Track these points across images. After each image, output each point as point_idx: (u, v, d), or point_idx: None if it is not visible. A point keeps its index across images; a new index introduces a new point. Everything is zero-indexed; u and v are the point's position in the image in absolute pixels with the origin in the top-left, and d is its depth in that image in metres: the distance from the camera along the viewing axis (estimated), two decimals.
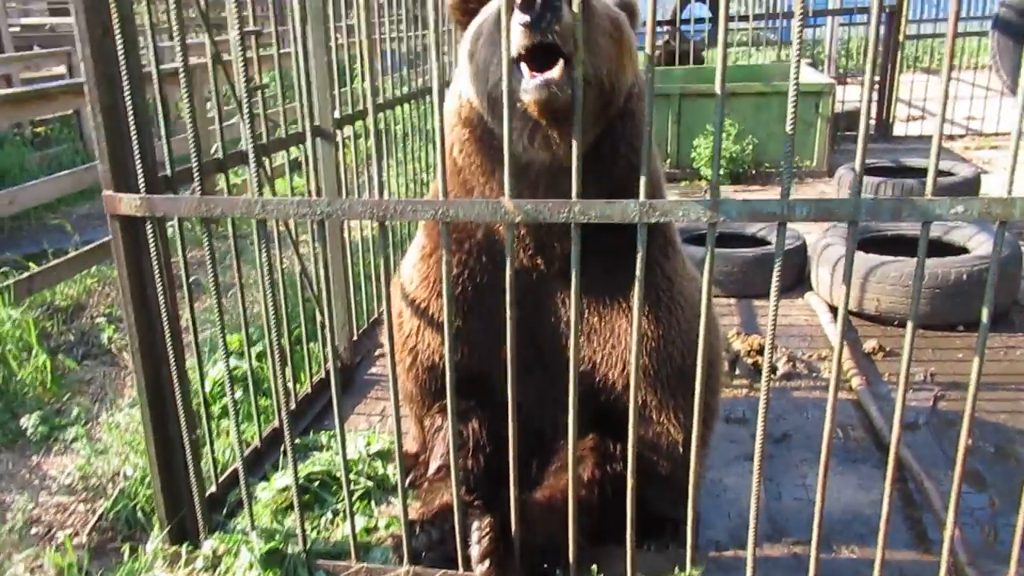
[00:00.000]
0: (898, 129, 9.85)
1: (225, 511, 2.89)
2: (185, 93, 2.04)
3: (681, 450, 2.50)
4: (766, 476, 3.02)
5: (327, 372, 2.57)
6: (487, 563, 2.28)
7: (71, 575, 2.71)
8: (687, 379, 2.48)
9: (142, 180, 2.09)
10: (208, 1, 2.57)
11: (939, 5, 11.46)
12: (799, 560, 2.56)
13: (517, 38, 1.91)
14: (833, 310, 4.46)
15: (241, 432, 3.40)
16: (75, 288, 5.61)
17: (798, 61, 1.67)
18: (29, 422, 3.83)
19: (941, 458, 3.10)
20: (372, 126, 1.84)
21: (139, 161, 2.07)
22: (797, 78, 1.67)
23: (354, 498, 2.97)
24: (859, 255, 4.36)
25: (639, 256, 1.82)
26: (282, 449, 2.99)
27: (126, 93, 2.03)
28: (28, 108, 5.99)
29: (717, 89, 1.69)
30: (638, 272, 1.82)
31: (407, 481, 2.96)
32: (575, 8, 1.64)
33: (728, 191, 7.64)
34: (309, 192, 3.29)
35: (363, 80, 1.84)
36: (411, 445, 3.13)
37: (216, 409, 3.77)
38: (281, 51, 3.10)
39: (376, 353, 4.26)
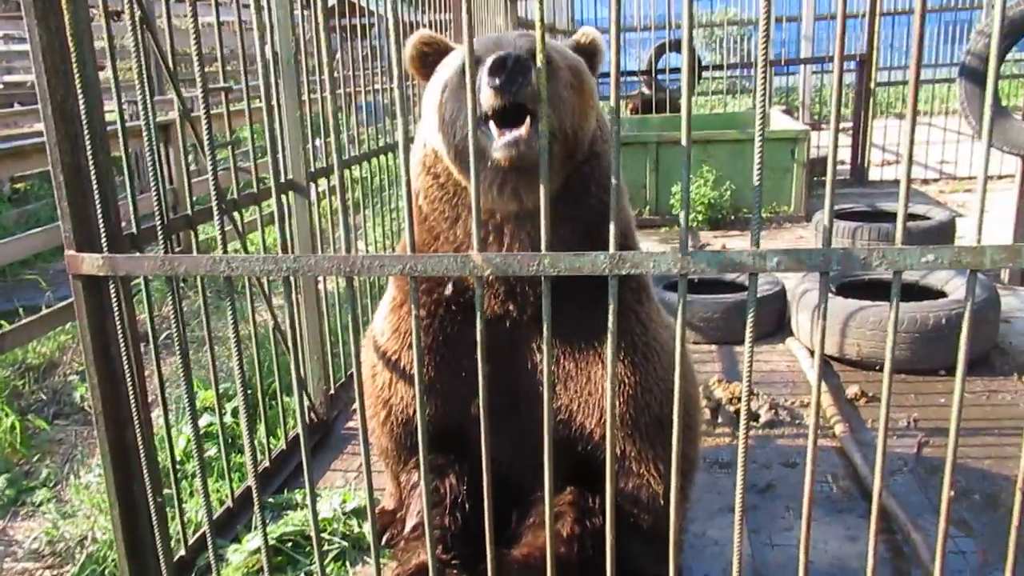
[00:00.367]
0: (873, 174, 9.99)
1: (195, 575, 2.80)
2: (148, 151, 2.02)
3: (663, 502, 2.45)
4: (751, 528, 2.96)
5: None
6: None
7: None
8: (666, 428, 2.44)
9: (105, 239, 2.05)
10: (175, 58, 2.56)
11: (907, 53, 11.71)
12: None
13: (486, 98, 1.94)
14: (814, 355, 4.43)
15: (214, 492, 3.33)
16: (48, 345, 5.52)
17: (763, 114, 1.67)
18: None
19: (927, 506, 3.06)
20: (338, 183, 1.82)
21: (102, 220, 2.04)
22: (763, 131, 1.66)
23: (328, 559, 2.89)
24: (838, 300, 4.36)
25: (611, 308, 1.79)
26: (255, 509, 2.90)
27: (88, 152, 2.00)
28: (3, 165, 5.95)
29: (683, 142, 1.69)
30: (611, 324, 1.79)
31: (383, 540, 2.89)
32: (539, 67, 1.64)
33: (707, 237, 7.69)
34: (282, 247, 3.26)
35: (331, 135, 1.82)
36: (388, 502, 3.06)
37: (190, 467, 3.68)
38: (253, 106, 3.09)
39: (353, 407, 4.19)
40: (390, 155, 4.79)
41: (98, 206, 2.05)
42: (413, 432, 2.62)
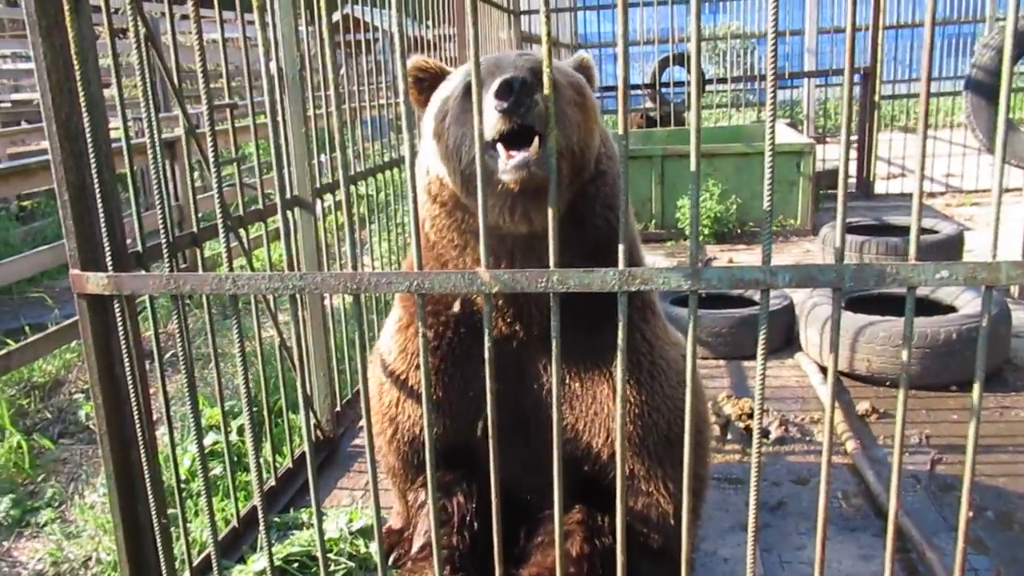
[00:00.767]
0: (879, 187, 9.96)
1: None
2: (153, 167, 2.01)
3: (673, 522, 2.42)
4: (763, 547, 2.92)
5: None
6: None
7: None
8: (674, 447, 2.40)
9: (110, 258, 2.04)
10: (180, 73, 2.55)
11: (911, 66, 11.73)
12: None
13: (492, 123, 1.91)
14: (824, 371, 4.40)
15: (219, 511, 3.30)
16: (53, 364, 5.50)
17: (772, 127, 1.65)
18: (1, 506, 3.70)
19: (942, 524, 3.01)
20: (344, 198, 1.80)
21: (107, 238, 2.02)
22: (772, 142, 1.64)
23: None
24: (848, 315, 4.33)
25: (620, 325, 1.76)
26: (260, 529, 2.87)
27: (93, 170, 1.99)
28: (9, 184, 5.96)
29: (692, 155, 1.67)
30: (620, 342, 1.76)
31: (390, 560, 2.85)
32: (546, 88, 1.62)
33: (713, 250, 7.66)
34: (288, 263, 3.25)
35: (337, 150, 1.80)
36: (395, 521, 3.03)
37: (195, 486, 3.65)
38: (260, 121, 3.09)
39: (359, 424, 4.16)
40: (395, 170, 4.78)
41: (103, 224, 2.03)
42: (420, 450, 2.60)
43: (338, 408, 4.09)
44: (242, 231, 3.10)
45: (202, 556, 2.89)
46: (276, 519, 3.24)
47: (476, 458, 2.50)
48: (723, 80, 11.82)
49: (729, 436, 3.85)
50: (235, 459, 3.80)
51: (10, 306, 7.06)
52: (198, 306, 5.90)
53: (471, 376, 2.43)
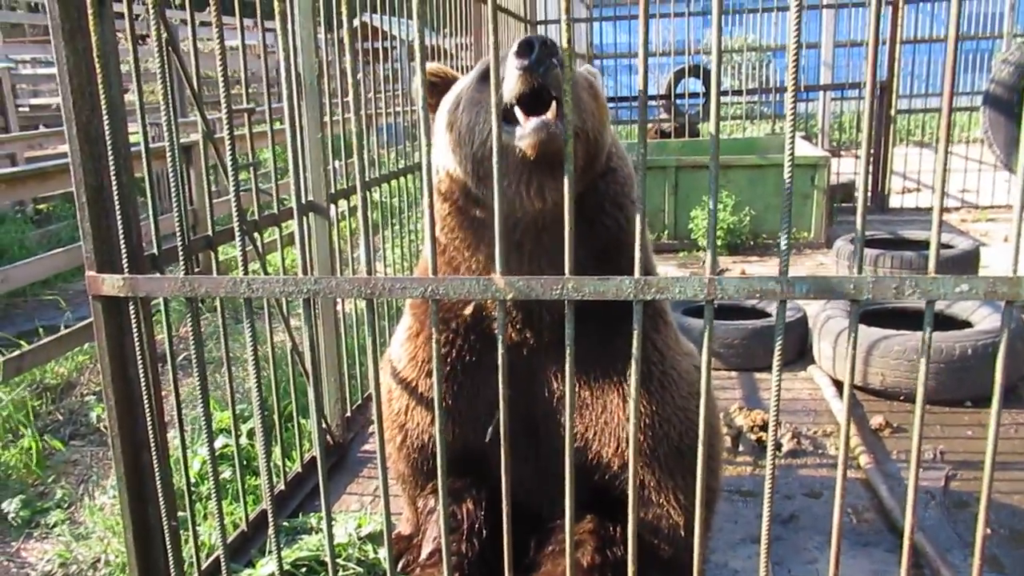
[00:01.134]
0: (894, 201, 9.92)
1: None
2: (172, 171, 2.02)
3: (683, 533, 2.40)
4: (774, 560, 2.89)
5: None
6: None
7: None
8: (685, 458, 2.39)
9: (126, 260, 2.05)
10: (200, 80, 2.57)
11: (928, 81, 11.68)
12: None
13: (512, 85, 1.91)
14: (837, 384, 4.37)
15: (228, 515, 3.30)
16: (66, 366, 5.53)
17: (792, 136, 1.64)
18: (11, 506, 3.72)
19: (956, 541, 2.98)
20: (359, 203, 1.81)
21: (123, 241, 2.03)
22: (792, 152, 1.64)
23: None
24: (862, 329, 4.30)
25: (635, 333, 1.76)
26: (269, 534, 2.87)
27: (112, 174, 2.00)
28: (26, 186, 6.01)
29: (710, 165, 1.66)
30: (635, 351, 1.76)
31: (399, 566, 2.84)
32: (564, 47, 1.63)
33: (726, 262, 7.63)
34: (302, 268, 3.26)
35: (355, 155, 1.81)
36: (404, 527, 3.02)
37: (204, 489, 3.66)
38: (276, 127, 3.10)
39: (369, 430, 4.16)
40: (409, 177, 4.79)
41: (120, 227, 2.04)
42: (430, 457, 2.59)
43: (348, 414, 4.09)
44: (256, 235, 3.11)
45: (211, 559, 2.89)
46: (285, 523, 3.24)
47: (486, 465, 2.49)
48: (738, 92, 11.82)
49: (741, 448, 3.82)
50: (245, 463, 3.81)
51: (24, 308, 7.11)
52: (210, 310, 5.92)
53: (481, 383, 2.42)
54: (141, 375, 2.14)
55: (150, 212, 2.17)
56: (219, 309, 2.65)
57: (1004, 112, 8.63)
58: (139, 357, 2.11)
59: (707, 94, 12.58)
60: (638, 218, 1.70)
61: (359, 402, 4.30)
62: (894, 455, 3.69)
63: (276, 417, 3.48)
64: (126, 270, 2.04)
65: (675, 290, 1.72)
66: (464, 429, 2.49)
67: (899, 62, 9.74)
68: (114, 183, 2.01)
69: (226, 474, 3.64)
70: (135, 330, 2.08)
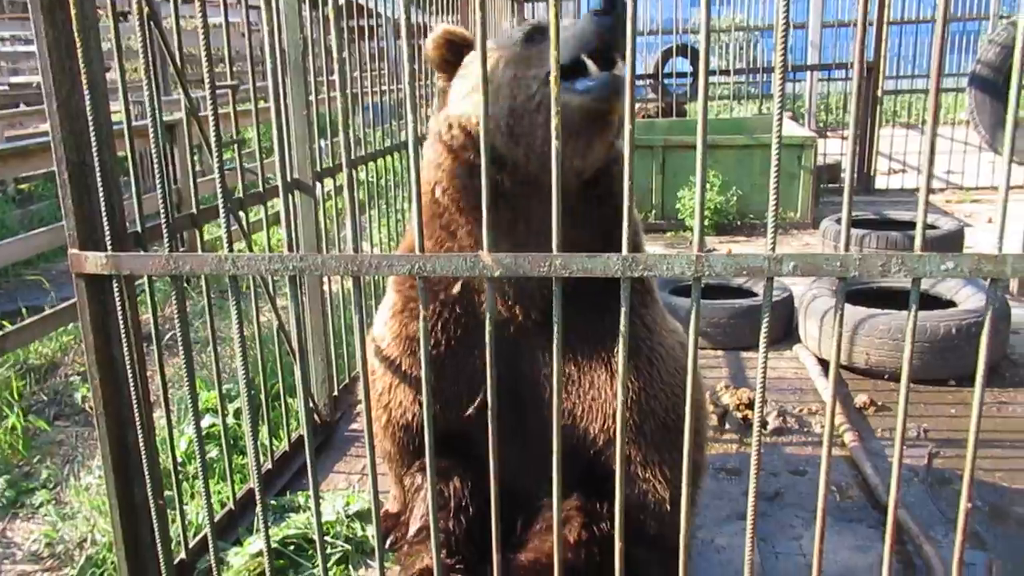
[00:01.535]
0: (880, 182, 9.95)
1: None
2: (155, 147, 1.99)
3: (669, 508, 2.42)
4: (760, 536, 2.92)
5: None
6: None
7: None
8: (672, 433, 2.40)
9: (109, 237, 2.02)
10: (183, 57, 2.53)
11: (915, 62, 11.70)
12: None
13: (588, 38, 1.95)
14: (822, 363, 4.40)
15: (215, 494, 3.30)
16: (50, 346, 5.49)
17: (780, 115, 1.64)
18: None
19: (938, 518, 3.02)
20: (345, 180, 1.79)
21: (106, 218, 2.01)
22: (780, 131, 1.63)
23: (331, 562, 2.85)
24: (848, 308, 4.32)
25: (623, 311, 1.76)
26: (257, 512, 2.88)
27: (94, 150, 1.98)
28: (7, 166, 5.93)
29: (698, 144, 1.66)
30: (622, 328, 1.76)
31: (387, 543, 2.85)
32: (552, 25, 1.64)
33: (713, 242, 7.66)
34: (288, 246, 3.23)
35: (341, 132, 1.79)
36: (392, 505, 3.03)
37: (191, 469, 3.65)
38: (261, 105, 3.07)
39: (356, 409, 4.16)
40: (395, 155, 4.76)
41: (102, 204, 2.02)
42: (415, 436, 2.59)
43: (335, 393, 4.09)
44: (241, 214, 3.09)
45: (198, 538, 2.89)
46: (273, 502, 3.24)
47: (471, 444, 2.49)
48: (726, 72, 11.80)
49: (727, 426, 3.85)
50: (231, 442, 3.81)
51: (7, 288, 7.04)
52: (195, 289, 5.89)
53: (465, 361, 2.41)
54: (126, 354, 2.13)
55: (133, 190, 2.15)
56: (204, 288, 2.63)
57: (990, 93, 8.67)
58: (123, 336, 2.10)
59: (695, 74, 12.57)
60: (626, 196, 1.70)
61: (346, 381, 4.30)
62: (878, 433, 3.73)
63: (263, 396, 3.47)
64: (109, 248, 2.02)
65: (663, 267, 1.72)
66: (447, 407, 2.48)
67: (886, 43, 9.74)
68: (96, 160, 1.99)
69: (213, 453, 3.64)
70: (119, 308, 2.06)
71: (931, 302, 4.54)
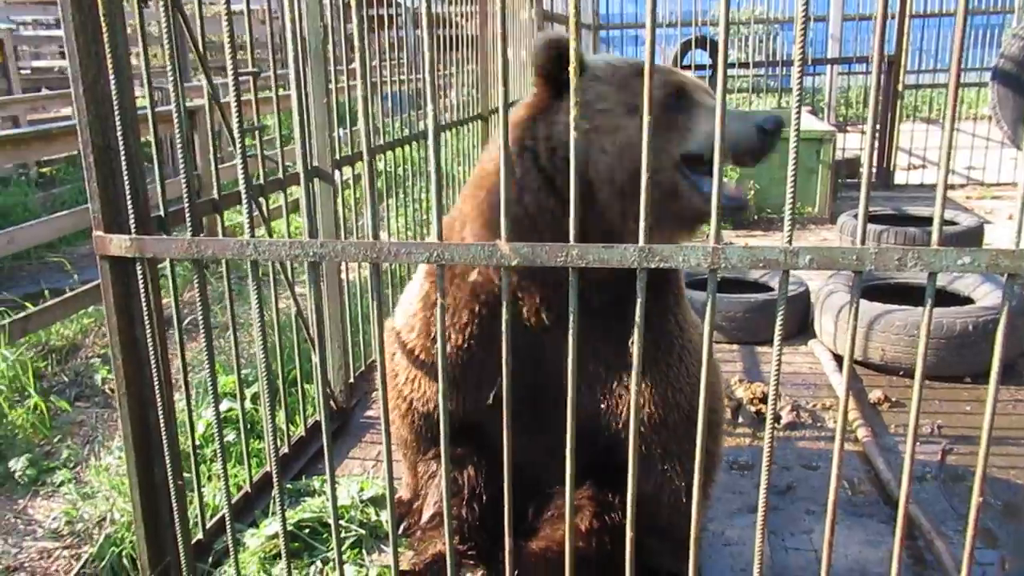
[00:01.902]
0: (899, 178, 9.88)
1: (211, 559, 2.81)
2: (178, 132, 2.02)
3: (685, 499, 2.43)
4: (770, 529, 2.93)
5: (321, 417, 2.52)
6: None
7: None
8: (695, 426, 2.41)
9: (133, 221, 2.06)
10: (205, 43, 2.56)
11: (937, 56, 11.58)
12: None
13: (745, 147, 2.12)
14: (837, 358, 4.40)
15: (232, 476, 3.34)
16: (71, 328, 5.56)
17: (799, 108, 1.64)
18: (17, 465, 3.76)
19: (951, 514, 3.01)
20: (365, 166, 1.81)
21: (130, 202, 2.04)
22: (798, 125, 1.64)
23: (345, 546, 2.89)
24: (864, 303, 4.31)
25: (639, 302, 1.77)
26: (273, 495, 2.91)
27: (119, 134, 2.01)
28: (30, 148, 5.99)
29: (716, 137, 1.66)
30: (637, 318, 1.77)
31: (400, 529, 2.88)
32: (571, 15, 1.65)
33: (730, 236, 7.63)
34: (308, 232, 3.26)
35: (360, 118, 1.81)
36: (405, 492, 3.06)
37: (208, 452, 3.70)
38: (281, 93, 3.10)
39: (372, 396, 4.19)
40: (414, 145, 4.78)
41: (127, 187, 2.05)
42: (435, 424, 2.61)
43: (351, 380, 4.13)
44: (261, 200, 3.12)
45: (215, 519, 2.93)
46: (288, 486, 3.28)
47: (490, 435, 2.51)
48: (744, 65, 11.71)
49: (740, 419, 3.85)
50: (248, 427, 3.85)
51: (29, 271, 7.13)
52: (214, 275, 5.94)
53: (493, 357, 2.42)
54: (148, 335, 2.16)
55: (156, 174, 2.18)
56: (224, 273, 2.66)
57: (1013, 88, 8.56)
58: (146, 317, 2.13)
59: (714, 66, 12.49)
60: (644, 188, 1.71)
61: (362, 369, 4.33)
62: (892, 429, 3.72)
63: (280, 382, 3.51)
64: (133, 231, 2.05)
65: (679, 258, 1.73)
66: (470, 399, 2.50)
67: (908, 36, 9.65)
68: (121, 143, 2.02)
69: (230, 437, 3.68)
70: (142, 291, 2.09)
71: (949, 299, 4.51)
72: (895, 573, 1.88)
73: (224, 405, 3.82)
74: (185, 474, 2.63)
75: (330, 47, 3.67)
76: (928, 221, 6.39)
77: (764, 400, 3.90)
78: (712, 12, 12.29)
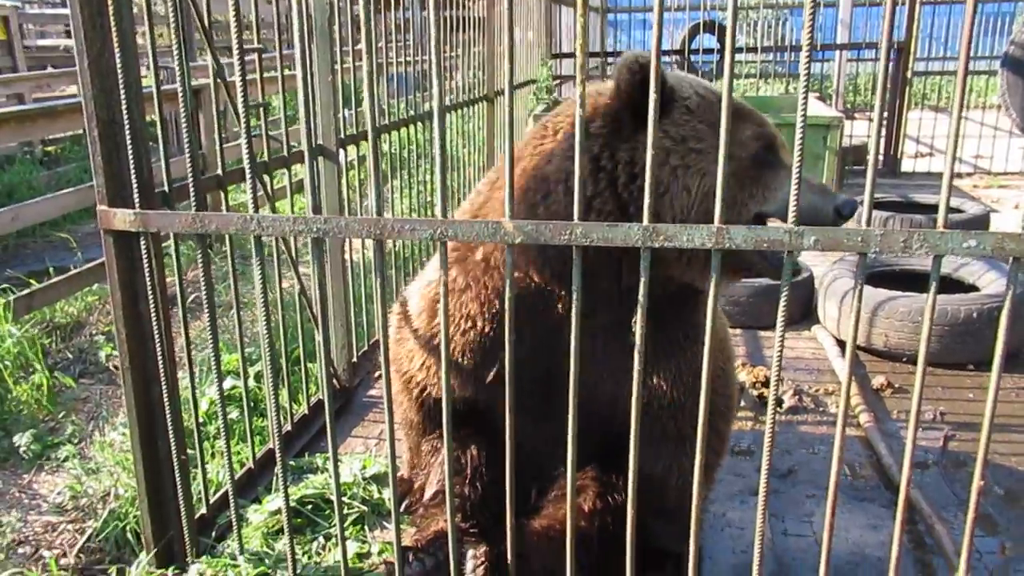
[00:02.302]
0: (906, 165, 9.83)
1: (215, 534, 2.82)
2: (183, 108, 2.02)
3: (690, 481, 2.44)
4: (772, 512, 2.94)
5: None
6: None
7: None
8: (711, 411, 2.42)
9: (137, 195, 2.06)
10: (211, 22, 2.55)
11: (947, 43, 11.49)
12: None
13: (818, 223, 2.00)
14: (840, 344, 4.39)
15: (235, 453, 3.36)
16: (75, 305, 5.58)
17: (806, 93, 1.64)
18: (22, 440, 3.78)
19: (952, 500, 3.02)
20: (370, 144, 1.81)
21: (135, 176, 2.04)
22: (805, 109, 1.63)
23: (347, 523, 2.91)
24: (868, 289, 4.30)
25: (643, 281, 1.77)
26: (276, 471, 2.93)
27: (123, 108, 2.00)
28: (36, 125, 5.98)
29: (723, 121, 1.66)
30: (641, 297, 1.77)
31: (402, 506, 2.90)
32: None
33: None
34: (312, 208, 3.27)
35: (366, 96, 1.80)
36: (406, 470, 3.07)
37: (212, 428, 3.72)
38: (287, 72, 3.08)
39: (376, 375, 4.21)
40: (419, 126, 4.76)
41: (131, 162, 2.05)
42: (438, 403, 2.62)
43: (354, 359, 4.14)
44: (266, 179, 3.11)
45: (218, 495, 2.95)
46: (291, 463, 3.30)
47: (497, 416, 2.50)
48: (753, 50, 11.64)
49: (743, 403, 3.86)
50: (252, 404, 3.87)
51: (34, 248, 7.15)
52: (218, 255, 5.95)
53: (522, 350, 2.39)
54: (152, 310, 2.17)
55: (161, 149, 2.18)
56: (228, 251, 2.66)
57: (1023, 75, 8.50)
58: (149, 292, 2.14)
59: (722, 51, 12.42)
60: (648, 168, 1.70)
61: (365, 348, 4.34)
62: (894, 415, 3.73)
63: (283, 361, 3.52)
64: (137, 205, 2.05)
65: (683, 238, 1.73)
66: (481, 388, 2.49)
67: (918, 23, 9.57)
68: (125, 118, 2.01)
69: (233, 415, 3.69)
70: (146, 265, 2.10)
71: (954, 286, 4.50)
72: (895, 556, 1.89)
73: (228, 383, 3.83)
74: (189, 450, 2.65)
75: (336, 27, 3.65)
76: (934, 208, 6.36)
77: (766, 384, 3.90)
78: None
